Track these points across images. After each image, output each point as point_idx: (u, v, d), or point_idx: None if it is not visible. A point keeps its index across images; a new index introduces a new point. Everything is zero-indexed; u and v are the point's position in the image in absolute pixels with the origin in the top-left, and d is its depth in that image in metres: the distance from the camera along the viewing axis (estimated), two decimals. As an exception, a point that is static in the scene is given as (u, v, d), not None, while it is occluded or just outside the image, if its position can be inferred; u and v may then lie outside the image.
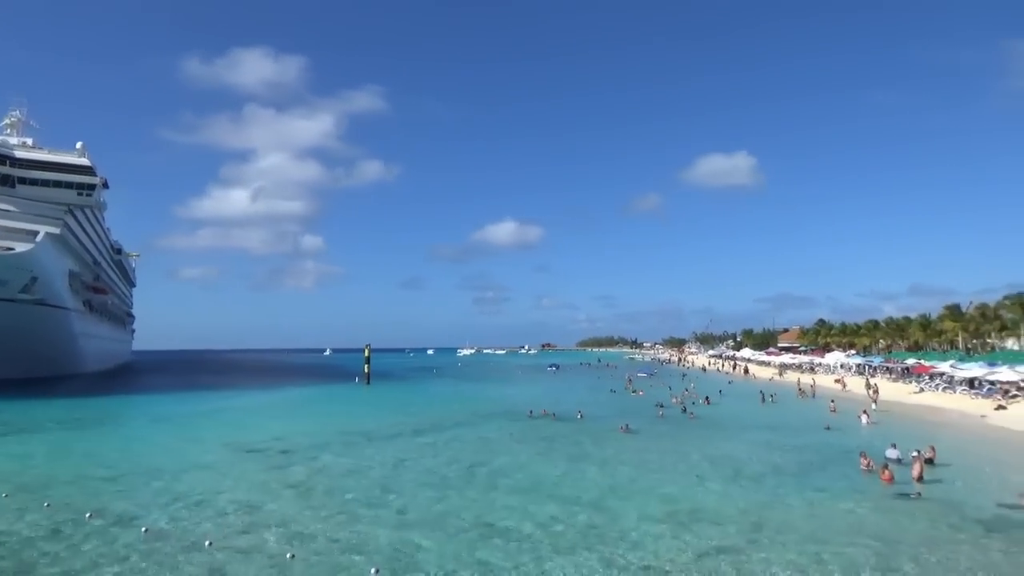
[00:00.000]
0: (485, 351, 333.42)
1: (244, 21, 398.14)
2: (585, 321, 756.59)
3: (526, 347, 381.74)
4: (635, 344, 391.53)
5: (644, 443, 35.83)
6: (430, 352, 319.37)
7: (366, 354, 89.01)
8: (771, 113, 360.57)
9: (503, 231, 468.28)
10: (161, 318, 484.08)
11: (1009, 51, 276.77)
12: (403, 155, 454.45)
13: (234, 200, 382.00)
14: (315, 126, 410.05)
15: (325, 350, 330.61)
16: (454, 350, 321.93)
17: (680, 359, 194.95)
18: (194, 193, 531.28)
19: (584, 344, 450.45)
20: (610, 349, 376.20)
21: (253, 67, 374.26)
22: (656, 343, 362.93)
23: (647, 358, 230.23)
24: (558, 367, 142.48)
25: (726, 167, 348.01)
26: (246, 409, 58.35)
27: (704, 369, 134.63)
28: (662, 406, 52.57)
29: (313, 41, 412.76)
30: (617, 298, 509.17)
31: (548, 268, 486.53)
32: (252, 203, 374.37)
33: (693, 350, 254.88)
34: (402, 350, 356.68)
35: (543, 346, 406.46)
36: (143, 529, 18.19)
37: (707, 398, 60.68)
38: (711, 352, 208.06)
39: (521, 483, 25.17)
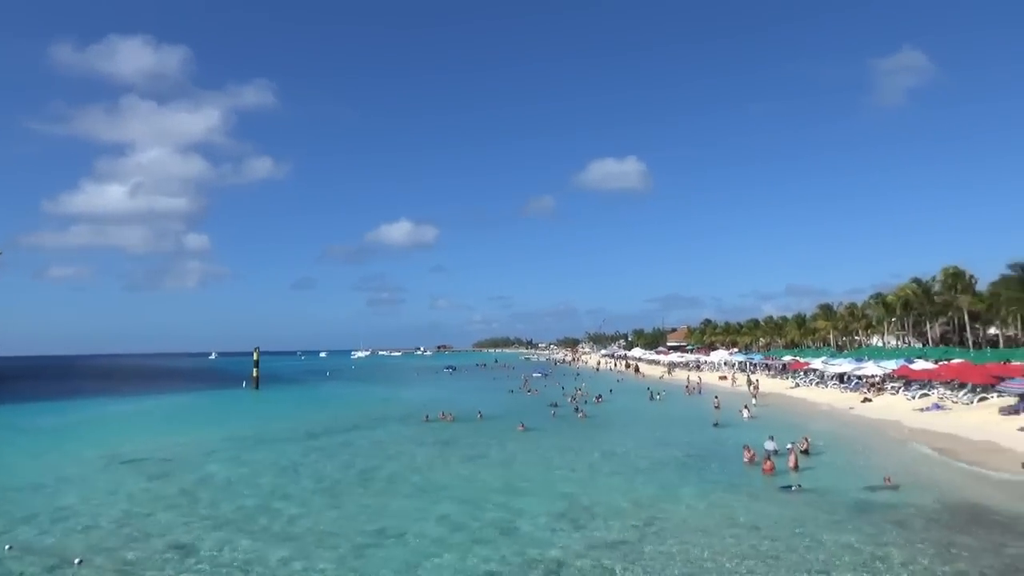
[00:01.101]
0: (380, 353, 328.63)
1: (122, 7, 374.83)
2: (481, 322, 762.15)
3: (422, 348, 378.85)
4: (530, 344, 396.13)
5: (540, 442, 36.29)
6: (323, 355, 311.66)
7: (255, 357, 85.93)
8: (659, 121, 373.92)
9: (399, 231, 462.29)
10: (26, 321, 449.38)
11: (874, 69, 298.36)
12: (295, 153, 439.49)
13: (110, 195, 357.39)
14: (200, 120, 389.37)
15: (210, 354, 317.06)
16: (348, 352, 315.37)
17: (574, 359, 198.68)
18: (65, 188, 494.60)
19: (480, 345, 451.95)
20: (506, 350, 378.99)
21: (132, 56, 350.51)
22: (551, 343, 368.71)
23: (542, 358, 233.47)
24: (455, 368, 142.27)
25: (617, 171, 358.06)
26: (123, 417, 55.12)
27: (597, 368, 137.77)
28: (556, 405, 53.49)
29: (197, 31, 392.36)
30: (513, 299, 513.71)
31: (444, 269, 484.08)
32: (130, 199, 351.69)
33: (586, 350, 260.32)
34: (293, 353, 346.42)
35: (439, 347, 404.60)
36: (7, 547, 16.91)
37: (599, 397, 62.14)
38: (604, 352, 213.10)
39: (418, 486, 24.95)
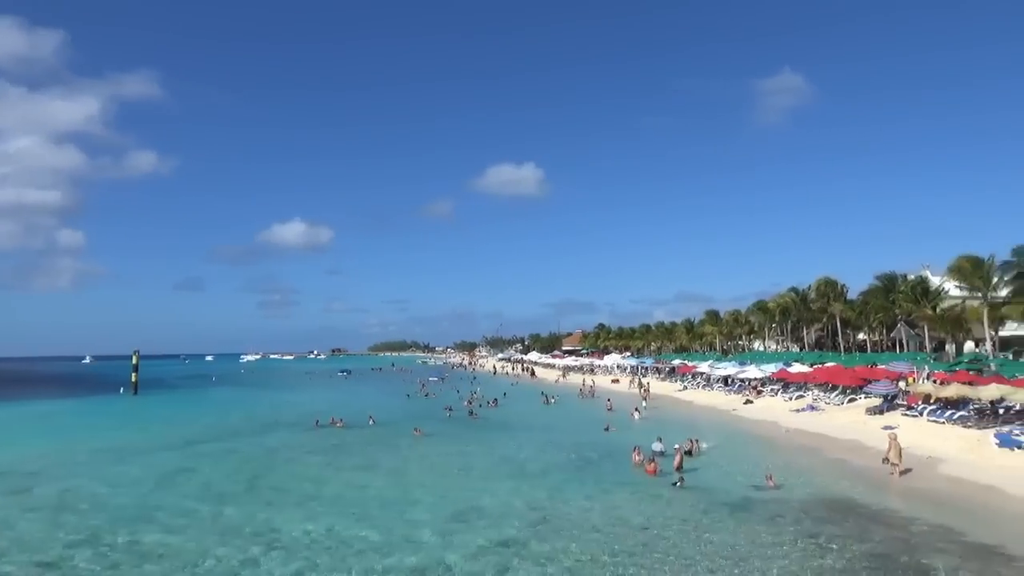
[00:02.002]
0: (272, 357, 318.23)
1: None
2: (377, 325, 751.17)
3: (315, 352, 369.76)
4: (428, 348, 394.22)
5: (435, 446, 36.01)
6: (209, 358, 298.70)
7: (134, 361, 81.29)
8: (557, 128, 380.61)
9: (292, 231, 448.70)
10: None
11: (756, 89, 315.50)
12: (181, 147, 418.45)
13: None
14: (76, 109, 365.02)
15: (84, 358, 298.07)
16: (237, 356, 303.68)
17: (471, 363, 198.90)
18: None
19: (376, 349, 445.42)
20: (403, 353, 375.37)
21: (1, 38, 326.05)
22: (448, 347, 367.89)
23: (440, 362, 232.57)
24: (349, 372, 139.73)
25: (515, 177, 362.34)
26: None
27: (494, 372, 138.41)
28: (451, 409, 53.32)
29: (75, 14, 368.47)
30: (410, 302, 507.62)
31: (340, 271, 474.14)
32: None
33: (483, 354, 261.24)
34: (177, 356, 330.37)
35: (334, 351, 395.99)
36: None
37: (495, 400, 62.41)
38: (500, 355, 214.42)
39: (308, 494, 24.18)
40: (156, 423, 49.83)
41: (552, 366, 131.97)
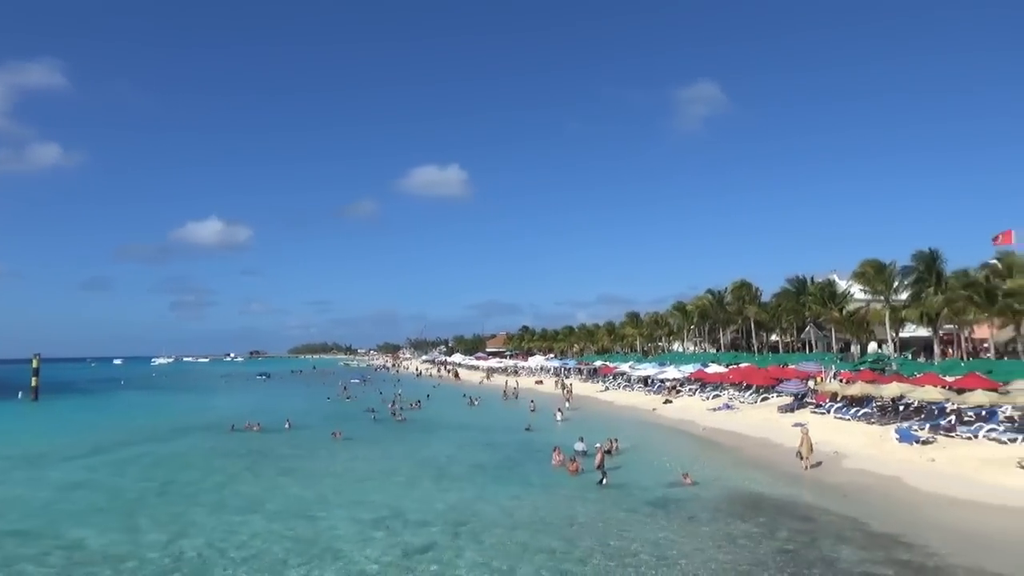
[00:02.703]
0: (186, 359, 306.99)
1: None
2: (298, 327, 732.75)
3: (232, 355, 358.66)
4: (350, 350, 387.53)
5: (355, 450, 35.45)
6: (117, 361, 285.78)
7: (34, 364, 76.79)
8: (481, 131, 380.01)
9: (207, 230, 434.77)
10: None
11: (675, 97, 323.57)
12: (88, 141, 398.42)
13: None
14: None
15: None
16: (148, 359, 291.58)
17: (395, 365, 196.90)
18: None
19: (297, 351, 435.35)
20: (324, 356, 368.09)
21: None
22: (371, 349, 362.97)
23: (363, 364, 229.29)
24: (268, 376, 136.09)
25: (439, 179, 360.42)
26: None
27: (419, 374, 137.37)
28: (374, 411, 52.61)
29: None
30: (332, 303, 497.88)
31: (259, 271, 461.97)
32: None
33: (407, 355, 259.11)
34: (83, 360, 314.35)
35: (252, 353, 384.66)
36: None
37: (417, 402, 61.91)
38: (424, 357, 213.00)
39: (222, 501, 23.37)
40: (59, 430, 47.23)
41: (476, 368, 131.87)
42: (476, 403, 62.68)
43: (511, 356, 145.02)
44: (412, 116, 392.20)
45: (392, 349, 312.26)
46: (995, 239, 48.71)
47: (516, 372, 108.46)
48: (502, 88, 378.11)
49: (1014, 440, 26.99)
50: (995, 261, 47.32)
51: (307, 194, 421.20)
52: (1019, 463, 23.25)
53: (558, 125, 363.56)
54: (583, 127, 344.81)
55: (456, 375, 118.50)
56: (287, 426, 45.00)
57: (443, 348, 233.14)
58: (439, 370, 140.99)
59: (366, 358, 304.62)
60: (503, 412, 56.04)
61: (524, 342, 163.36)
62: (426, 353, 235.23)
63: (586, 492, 23.90)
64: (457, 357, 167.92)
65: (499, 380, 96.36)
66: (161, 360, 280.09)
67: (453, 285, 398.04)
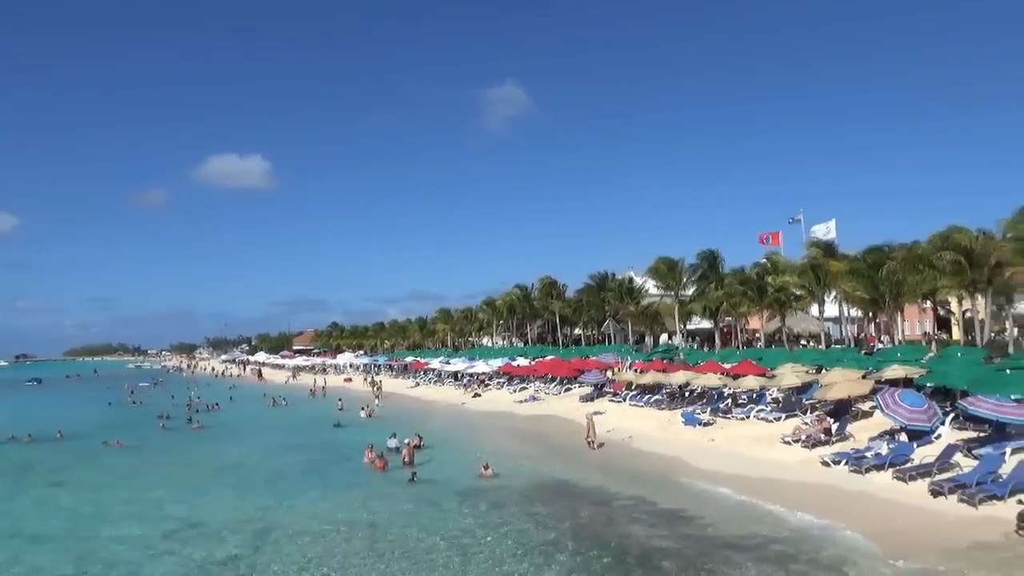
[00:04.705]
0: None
1: None
2: (76, 327, 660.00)
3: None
4: (139, 351, 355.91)
5: (142, 459, 32.76)
6: None
7: None
8: (285, 120, 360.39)
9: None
10: None
11: (481, 98, 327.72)
12: None
13: None
14: None
15: None
16: None
17: (191, 366, 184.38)
18: None
19: (75, 353, 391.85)
20: (108, 358, 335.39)
21: None
22: (164, 350, 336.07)
23: (155, 366, 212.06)
24: (40, 381, 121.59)
25: (240, 168, 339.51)
26: None
27: (218, 375, 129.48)
28: (167, 417, 48.68)
29: None
30: (117, 301, 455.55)
31: (26, 264, 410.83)
32: None
33: (205, 356, 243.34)
34: None
35: (18, 357, 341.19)
36: None
37: (215, 405, 58.35)
38: (224, 357, 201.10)
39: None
40: None
41: (281, 367, 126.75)
42: (282, 403, 60.14)
43: (319, 354, 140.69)
44: (208, 100, 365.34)
45: (188, 349, 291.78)
46: (761, 238, 54.74)
47: (324, 370, 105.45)
48: (303, 82, 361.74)
49: (779, 419, 30.36)
50: (765, 260, 53.08)
51: (84, 177, 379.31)
52: (782, 439, 26.24)
53: (362, 120, 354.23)
54: (388, 123, 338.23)
55: (260, 375, 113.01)
56: (58, 436, 40.60)
57: (245, 347, 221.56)
58: (241, 369, 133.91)
59: (158, 359, 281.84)
60: (310, 411, 54.20)
61: (333, 339, 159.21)
62: (226, 352, 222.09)
63: (394, 489, 23.76)
64: (260, 356, 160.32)
65: (306, 379, 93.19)
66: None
67: (257, 281, 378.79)
